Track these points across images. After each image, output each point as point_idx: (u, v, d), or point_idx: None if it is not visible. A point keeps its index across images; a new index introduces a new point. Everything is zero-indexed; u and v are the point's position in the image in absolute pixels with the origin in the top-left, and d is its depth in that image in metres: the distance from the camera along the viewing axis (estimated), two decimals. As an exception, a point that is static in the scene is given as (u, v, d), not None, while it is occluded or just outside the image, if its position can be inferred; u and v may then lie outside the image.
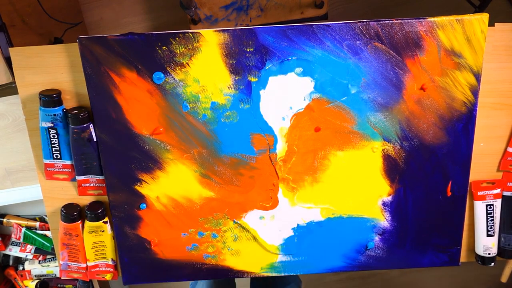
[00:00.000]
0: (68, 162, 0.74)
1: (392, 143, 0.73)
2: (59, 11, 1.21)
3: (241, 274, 0.81)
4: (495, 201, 0.76)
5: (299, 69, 0.69)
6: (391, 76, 0.69)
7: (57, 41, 1.18)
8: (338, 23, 0.67)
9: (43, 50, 0.70)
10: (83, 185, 0.75)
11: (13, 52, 0.70)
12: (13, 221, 1.19)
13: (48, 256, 1.24)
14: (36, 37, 1.12)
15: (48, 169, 0.74)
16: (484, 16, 0.67)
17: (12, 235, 1.21)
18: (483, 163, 0.76)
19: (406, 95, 0.70)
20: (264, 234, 0.78)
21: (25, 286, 1.23)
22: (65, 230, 0.76)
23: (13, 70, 0.71)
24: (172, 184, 0.75)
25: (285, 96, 0.70)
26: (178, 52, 0.68)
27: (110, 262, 0.79)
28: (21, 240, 1.20)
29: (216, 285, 0.99)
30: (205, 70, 0.69)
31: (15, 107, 0.97)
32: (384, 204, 0.76)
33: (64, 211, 0.75)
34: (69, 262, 0.79)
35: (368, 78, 0.69)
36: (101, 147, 0.72)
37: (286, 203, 0.76)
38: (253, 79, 0.69)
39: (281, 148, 0.73)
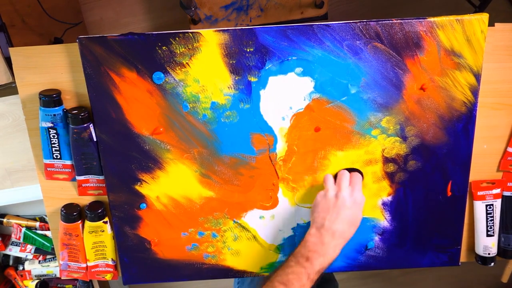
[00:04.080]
0: (68, 162, 0.74)
1: (392, 143, 0.73)
2: (59, 11, 1.21)
3: (241, 274, 0.81)
4: (495, 201, 0.76)
5: (299, 69, 0.69)
6: (391, 76, 0.69)
7: (57, 41, 1.18)
8: (338, 23, 0.67)
9: (43, 50, 0.70)
10: (83, 185, 0.75)
11: (13, 52, 0.70)
12: (13, 221, 1.19)
13: (48, 256, 1.24)
14: (36, 37, 1.12)
15: (48, 169, 0.74)
16: (484, 16, 0.67)
17: (12, 235, 1.21)
18: (483, 163, 0.76)
19: (406, 95, 0.70)
20: (264, 233, 0.78)
21: (25, 286, 1.23)
22: (65, 230, 0.76)
23: (13, 70, 0.71)
24: (172, 184, 0.75)
25: (285, 96, 0.70)
26: (178, 52, 0.68)
27: (110, 262, 0.79)
28: (21, 240, 1.20)
29: None
30: (205, 70, 0.69)
31: (15, 107, 0.97)
32: (384, 204, 0.76)
33: (64, 211, 0.75)
34: (69, 262, 0.79)
35: (368, 78, 0.69)
36: (101, 147, 0.72)
37: (286, 203, 0.76)
38: (253, 79, 0.69)
39: (281, 148, 0.73)
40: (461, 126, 0.72)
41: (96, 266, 0.79)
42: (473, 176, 0.76)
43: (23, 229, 1.18)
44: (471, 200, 0.78)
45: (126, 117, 0.71)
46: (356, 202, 0.68)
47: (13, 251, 1.23)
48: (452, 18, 0.67)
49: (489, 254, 0.78)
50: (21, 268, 1.25)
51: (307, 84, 0.70)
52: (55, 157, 0.73)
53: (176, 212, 0.76)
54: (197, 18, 1.14)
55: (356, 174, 0.71)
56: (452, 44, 0.68)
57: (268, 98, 0.70)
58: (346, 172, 0.70)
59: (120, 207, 0.76)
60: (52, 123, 0.70)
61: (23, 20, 1.06)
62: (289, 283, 0.61)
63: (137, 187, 0.75)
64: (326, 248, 0.65)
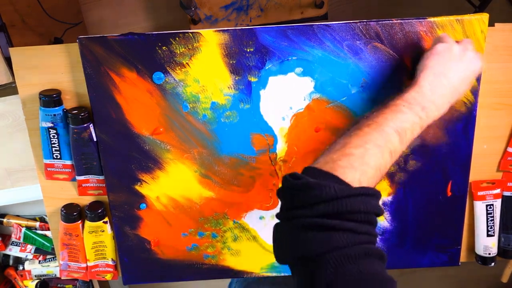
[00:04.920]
0: (68, 162, 0.74)
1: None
2: (59, 11, 1.21)
3: (241, 274, 0.81)
4: (495, 201, 0.76)
5: (299, 69, 0.69)
6: (391, 76, 0.69)
7: (57, 41, 1.18)
8: (338, 23, 0.67)
9: (43, 50, 0.70)
10: (83, 185, 0.75)
11: (13, 52, 0.70)
12: (13, 221, 1.19)
13: (48, 256, 1.24)
14: (36, 37, 1.12)
15: (48, 169, 0.74)
16: (484, 16, 0.67)
17: (12, 235, 1.21)
18: (483, 163, 0.76)
19: (406, 95, 0.70)
20: (264, 234, 0.78)
21: (25, 286, 1.23)
22: (65, 230, 0.76)
23: (13, 70, 0.71)
24: (172, 184, 0.75)
25: (285, 96, 0.70)
26: (178, 52, 0.68)
27: (110, 262, 0.79)
28: (21, 240, 1.20)
29: None
30: (205, 70, 0.69)
31: (15, 107, 0.96)
32: (384, 204, 0.76)
33: (64, 211, 0.75)
34: (69, 262, 0.79)
35: (368, 78, 0.69)
36: (101, 147, 0.72)
37: (286, 203, 0.76)
38: (253, 79, 0.69)
39: (281, 148, 0.73)
40: (461, 126, 0.72)
41: (96, 266, 0.79)
42: (473, 176, 0.76)
43: (23, 229, 1.18)
44: (471, 200, 0.78)
45: (126, 117, 0.71)
46: (479, 70, 0.62)
47: (13, 251, 1.23)
48: (452, 18, 0.67)
49: (489, 254, 0.78)
50: (21, 268, 1.25)
51: (307, 84, 0.69)
52: (55, 157, 0.73)
53: (176, 212, 0.76)
54: (197, 18, 1.14)
55: (479, 53, 0.65)
56: (452, 44, 0.68)
57: (268, 98, 0.70)
58: (472, 41, 0.64)
59: (120, 207, 0.76)
60: (52, 123, 0.70)
61: (23, 20, 1.06)
62: (403, 133, 0.52)
63: (137, 187, 0.75)
64: (442, 100, 0.56)
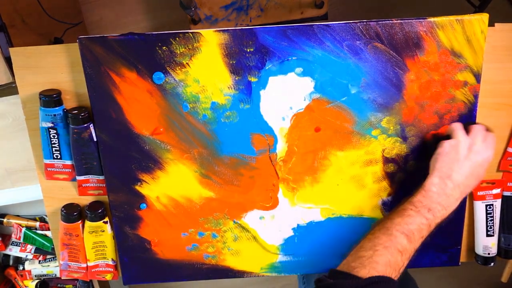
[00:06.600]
0: (68, 162, 0.74)
1: (392, 143, 0.73)
2: (59, 11, 1.21)
3: (241, 274, 0.81)
4: (495, 201, 0.76)
5: (299, 69, 0.69)
6: (391, 76, 0.69)
7: (57, 41, 1.18)
8: (338, 23, 0.67)
9: (43, 50, 0.70)
10: (83, 185, 0.75)
11: (13, 52, 0.70)
12: (13, 221, 1.19)
13: (48, 256, 1.24)
14: (36, 37, 1.12)
15: (48, 169, 0.74)
16: (484, 16, 0.67)
17: (12, 235, 1.21)
18: (483, 163, 0.76)
19: (406, 95, 0.70)
20: (264, 234, 0.78)
21: (25, 286, 1.24)
22: (65, 230, 0.76)
23: (13, 70, 0.71)
24: (172, 184, 0.75)
25: (285, 96, 0.70)
26: (178, 52, 0.68)
27: (110, 262, 0.79)
28: (21, 240, 1.20)
29: None
30: (205, 70, 0.69)
31: (15, 107, 0.97)
32: (384, 204, 0.76)
33: (64, 211, 0.75)
34: (69, 262, 0.79)
35: (368, 78, 0.69)
36: (101, 147, 0.72)
37: (286, 203, 0.76)
38: (253, 79, 0.69)
39: (281, 148, 0.73)
40: (461, 126, 0.72)
41: (96, 266, 0.79)
42: (473, 176, 0.76)
43: (23, 229, 1.19)
44: (471, 200, 0.78)
45: (126, 117, 0.71)
46: (487, 160, 0.65)
47: (13, 251, 1.23)
48: (452, 18, 0.67)
49: (489, 254, 0.78)
50: (21, 268, 1.25)
51: (307, 84, 0.69)
52: (55, 157, 0.73)
53: (176, 212, 0.76)
54: (197, 18, 1.14)
55: (492, 135, 0.67)
56: (452, 44, 0.68)
57: (268, 98, 0.70)
58: (483, 127, 0.66)
59: (120, 207, 0.76)
60: (52, 123, 0.70)
61: (23, 20, 1.06)
62: (411, 234, 0.59)
63: (137, 187, 0.75)
64: (449, 200, 0.62)
